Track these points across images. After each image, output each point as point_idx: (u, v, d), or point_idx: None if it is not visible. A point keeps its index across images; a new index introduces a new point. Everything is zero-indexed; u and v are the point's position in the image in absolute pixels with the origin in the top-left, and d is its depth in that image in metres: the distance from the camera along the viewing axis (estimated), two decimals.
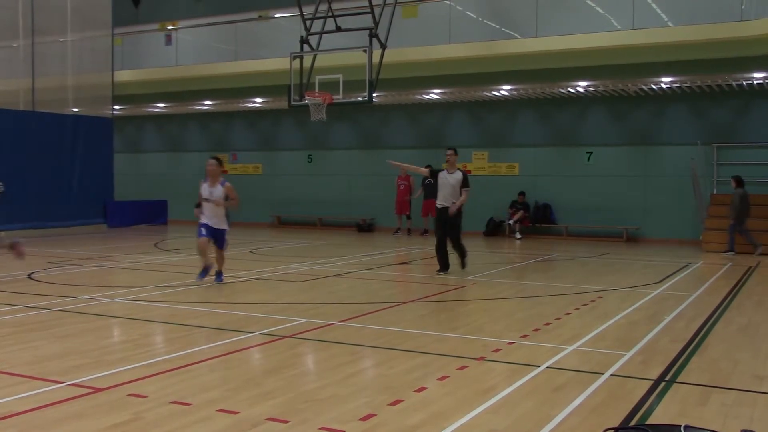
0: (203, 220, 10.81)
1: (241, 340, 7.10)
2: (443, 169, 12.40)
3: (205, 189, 10.80)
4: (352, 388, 5.47)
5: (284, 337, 7.26)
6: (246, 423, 4.65)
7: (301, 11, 16.91)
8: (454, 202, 12.08)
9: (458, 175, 12.20)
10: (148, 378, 5.68)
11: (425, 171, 13.15)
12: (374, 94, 16.30)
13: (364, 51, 15.51)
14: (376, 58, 15.73)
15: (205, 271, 10.83)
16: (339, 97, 16.15)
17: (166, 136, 27.56)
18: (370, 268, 13.16)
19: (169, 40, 23.13)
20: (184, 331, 7.57)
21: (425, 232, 20.68)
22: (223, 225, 10.90)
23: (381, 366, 6.30)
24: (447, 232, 12.26)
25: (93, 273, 12.49)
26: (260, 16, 22.12)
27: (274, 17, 22.03)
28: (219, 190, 10.67)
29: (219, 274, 10.98)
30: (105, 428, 4.54)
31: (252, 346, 6.92)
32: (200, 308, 8.90)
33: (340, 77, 16.04)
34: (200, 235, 10.74)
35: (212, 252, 10.98)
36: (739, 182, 16.77)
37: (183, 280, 11.24)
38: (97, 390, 5.33)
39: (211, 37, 22.96)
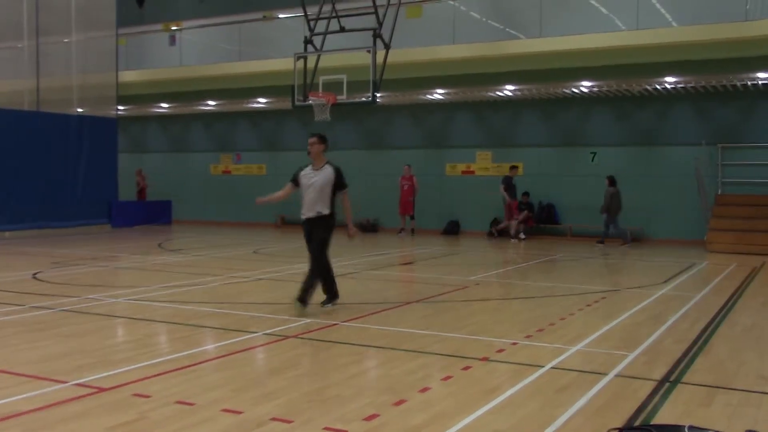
0: None
1: (245, 340, 7.10)
2: (306, 166, 8.95)
3: None
4: (355, 389, 5.47)
5: (288, 337, 7.27)
6: (250, 423, 4.65)
7: (305, 12, 16.92)
8: (320, 213, 8.63)
9: (327, 171, 8.72)
10: (152, 378, 5.69)
11: (287, 188, 8.97)
12: (378, 95, 16.31)
13: (368, 51, 15.52)
14: (380, 59, 15.73)
15: None
16: (343, 98, 16.15)
17: (171, 136, 27.60)
18: (374, 269, 13.16)
19: (173, 40, 23.17)
20: (188, 331, 7.58)
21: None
22: None
23: (384, 366, 6.29)
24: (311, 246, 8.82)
25: (97, 273, 12.51)
26: (264, 17, 22.15)
27: (278, 17, 22.06)
28: None
29: None
30: (109, 428, 4.55)
31: (256, 347, 6.93)
32: (204, 308, 8.90)
33: (344, 78, 16.04)
34: None
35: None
36: (612, 182, 18.29)
37: (187, 280, 11.25)
38: (102, 390, 5.34)
39: (215, 37, 22.99)
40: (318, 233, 8.68)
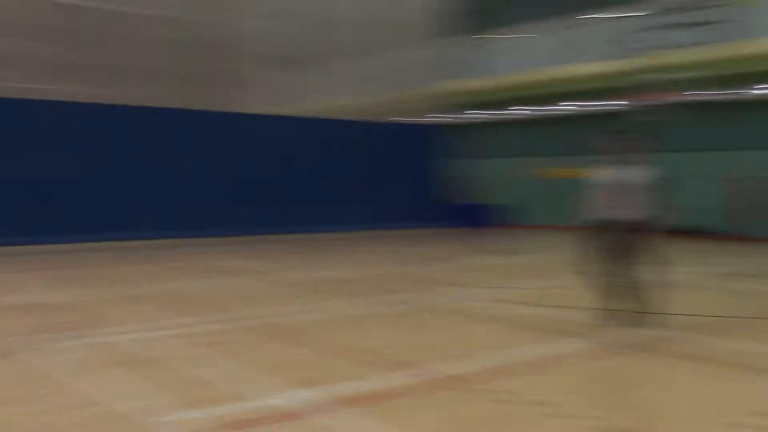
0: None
1: (595, 347, 6.94)
2: (606, 165, 7.98)
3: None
4: (717, 407, 5.12)
5: (643, 348, 6.93)
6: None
7: (644, 11, 16.30)
8: (639, 217, 7.68)
9: (645, 172, 7.77)
10: (508, 375, 5.83)
11: (592, 196, 8.02)
12: (718, 92, 15.14)
13: (704, 45, 14.50)
14: (716, 53, 14.60)
15: None
16: (681, 96, 15.26)
17: (517, 140, 27.31)
18: (725, 280, 12.11)
19: (516, 46, 23.70)
20: (539, 332, 7.64)
21: None
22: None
23: (748, 386, 5.73)
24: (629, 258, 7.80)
25: (443, 271, 13.25)
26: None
27: (608, 17, 21.43)
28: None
29: None
30: (465, 420, 4.77)
31: (609, 356, 6.72)
32: (556, 311, 8.89)
33: (694, 74, 15.08)
34: None
35: None
36: None
37: (536, 282, 11.39)
38: (455, 383, 5.59)
39: (545, 41, 23.02)
40: (634, 241, 7.75)
